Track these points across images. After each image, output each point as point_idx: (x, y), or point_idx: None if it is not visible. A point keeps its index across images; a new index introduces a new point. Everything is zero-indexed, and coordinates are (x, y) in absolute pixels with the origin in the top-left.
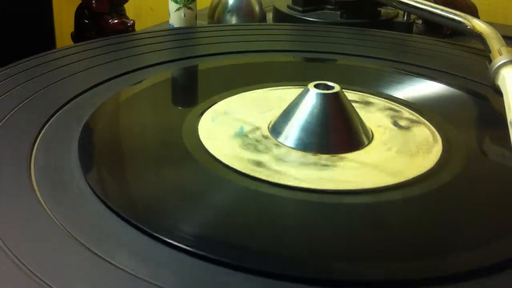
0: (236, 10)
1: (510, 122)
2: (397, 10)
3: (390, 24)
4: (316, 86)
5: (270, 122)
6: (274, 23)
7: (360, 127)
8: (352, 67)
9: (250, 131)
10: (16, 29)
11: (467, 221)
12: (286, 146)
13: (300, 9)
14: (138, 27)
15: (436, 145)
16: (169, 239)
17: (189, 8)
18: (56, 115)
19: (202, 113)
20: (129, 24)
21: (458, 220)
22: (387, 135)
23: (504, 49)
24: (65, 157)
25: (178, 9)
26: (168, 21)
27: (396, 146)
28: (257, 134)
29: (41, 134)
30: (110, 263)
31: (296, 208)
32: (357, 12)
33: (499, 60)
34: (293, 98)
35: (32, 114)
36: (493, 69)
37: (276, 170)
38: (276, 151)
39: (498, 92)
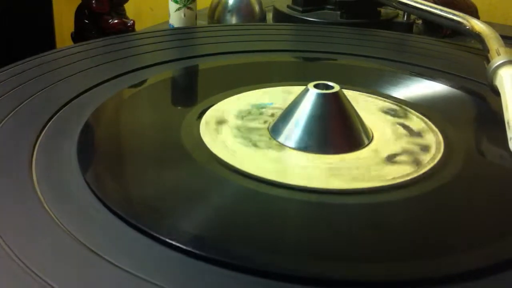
0: (236, 10)
1: (508, 122)
2: (397, 10)
3: (390, 24)
4: (316, 86)
5: (270, 122)
6: (274, 23)
7: (360, 127)
8: (352, 67)
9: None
10: (16, 29)
11: (467, 221)
12: (286, 145)
13: (300, 9)
14: (138, 27)
15: (435, 146)
16: (169, 239)
17: (189, 8)
18: (56, 115)
19: (201, 113)
20: (129, 24)
21: (457, 220)
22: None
23: (502, 50)
24: (65, 157)
25: (178, 9)
26: (168, 21)
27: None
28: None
29: (41, 134)
30: (110, 262)
31: (296, 208)
32: (357, 12)
33: (497, 60)
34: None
35: (32, 114)
36: (491, 69)
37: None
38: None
39: (496, 92)
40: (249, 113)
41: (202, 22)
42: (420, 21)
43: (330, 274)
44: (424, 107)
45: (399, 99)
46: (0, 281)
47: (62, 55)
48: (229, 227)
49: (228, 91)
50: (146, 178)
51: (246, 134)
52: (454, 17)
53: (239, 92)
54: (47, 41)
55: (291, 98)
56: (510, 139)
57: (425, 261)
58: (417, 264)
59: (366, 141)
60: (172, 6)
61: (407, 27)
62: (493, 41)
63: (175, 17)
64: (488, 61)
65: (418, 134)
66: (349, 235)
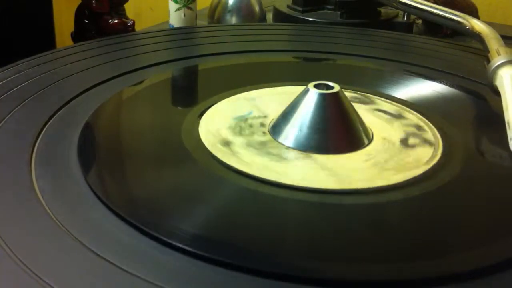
0: (236, 10)
1: (508, 122)
2: (397, 10)
3: (390, 24)
4: (316, 86)
5: (270, 122)
6: (274, 23)
7: (360, 127)
8: (352, 67)
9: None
10: (16, 29)
11: (466, 221)
12: (286, 145)
13: (300, 9)
14: (138, 27)
15: (435, 146)
16: (169, 239)
17: (189, 8)
18: (56, 115)
19: (202, 113)
20: (129, 24)
21: (458, 220)
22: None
23: (502, 49)
24: (65, 157)
25: (178, 9)
26: (168, 21)
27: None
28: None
29: (41, 134)
30: (110, 263)
31: (296, 208)
32: (357, 12)
33: (497, 60)
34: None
35: (32, 114)
36: (491, 69)
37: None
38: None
39: (496, 92)
40: (240, 127)
41: (202, 22)
42: (420, 21)
43: (330, 274)
44: (423, 107)
45: (399, 99)
46: (0, 281)
47: (62, 55)
48: (229, 227)
49: (228, 91)
50: (146, 178)
51: (246, 134)
52: (454, 17)
53: (239, 92)
54: (47, 41)
55: (291, 98)
56: (511, 139)
57: (425, 261)
58: (417, 264)
59: (366, 141)
60: (172, 6)
61: (407, 27)
62: (493, 41)
63: (175, 17)
64: (488, 61)
65: (418, 134)
66: (349, 235)
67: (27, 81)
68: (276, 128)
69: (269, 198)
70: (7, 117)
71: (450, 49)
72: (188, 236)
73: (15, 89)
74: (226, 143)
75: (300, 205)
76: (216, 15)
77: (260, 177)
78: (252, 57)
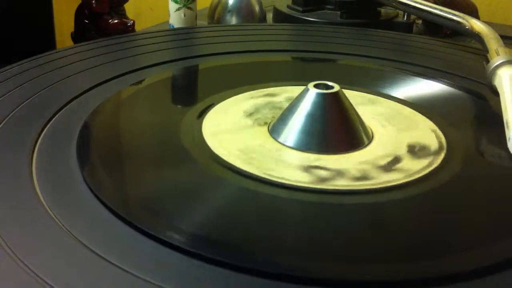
0: (236, 10)
1: (506, 122)
2: (397, 10)
3: (390, 24)
4: (316, 86)
5: (270, 122)
6: (274, 23)
7: (360, 127)
8: (352, 67)
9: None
10: (16, 29)
11: (466, 221)
12: (285, 145)
13: (300, 9)
14: (138, 27)
15: (435, 146)
16: (168, 239)
17: (189, 8)
18: (56, 115)
19: (201, 113)
20: (129, 24)
21: (458, 220)
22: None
23: (501, 50)
24: (65, 157)
25: (178, 9)
26: (168, 21)
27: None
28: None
29: (42, 135)
30: (110, 262)
31: (296, 208)
32: (357, 12)
33: (496, 61)
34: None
35: (32, 115)
36: (490, 69)
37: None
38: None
39: (495, 92)
40: (250, 114)
41: (202, 22)
42: (420, 21)
43: (330, 274)
44: (424, 107)
45: (399, 99)
46: (0, 281)
47: (62, 55)
48: (229, 227)
49: (227, 91)
50: (146, 178)
51: (246, 134)
52: (454, 17)
53: (239, 92)
54: (47, 41)
55: (291, 98)
56: (509, 139)
57: (425, 261)
58: (417, 264)
59: (366, 141)
60: (172, 6)
61: (407, 27)
62: (492, 41)
63: (175, 17)
64: (488, 61)
65: (419, 133)
66: (349, 235)
67: (27, 81)
68: (276, 128)
69: (268, 198)
70: (7, 118)
71: (450, 49)
72: (188, 236)
73: (15, 89)
74: (220, 121)
75: (299, 205)
76: (216, 15)
77: (259, 177)
78: (252, 57)
